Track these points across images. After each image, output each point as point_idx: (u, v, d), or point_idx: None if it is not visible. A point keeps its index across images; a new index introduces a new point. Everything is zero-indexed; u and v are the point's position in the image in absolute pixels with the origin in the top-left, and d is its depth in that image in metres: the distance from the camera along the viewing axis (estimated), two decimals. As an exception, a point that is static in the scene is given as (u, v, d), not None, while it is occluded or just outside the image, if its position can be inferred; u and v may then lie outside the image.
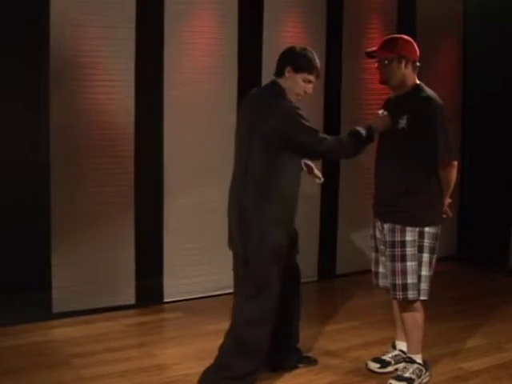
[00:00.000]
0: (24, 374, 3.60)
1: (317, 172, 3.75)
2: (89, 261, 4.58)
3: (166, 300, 4.89)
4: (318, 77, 3.48)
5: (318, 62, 3.46)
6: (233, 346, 3.37)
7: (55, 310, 4.50)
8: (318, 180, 3.76)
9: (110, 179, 4.61)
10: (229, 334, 3.41)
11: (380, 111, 3.59)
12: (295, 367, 3.72)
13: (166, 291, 4.89)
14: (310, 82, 3.42)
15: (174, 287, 4.90)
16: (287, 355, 3.71)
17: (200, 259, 4.94)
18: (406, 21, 5.89)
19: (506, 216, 5.98)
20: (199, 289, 4.98)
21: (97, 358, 3.84)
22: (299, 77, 3.40)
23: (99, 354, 3.91)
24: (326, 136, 3.38)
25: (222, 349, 3.41)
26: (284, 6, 5.25)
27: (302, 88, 3.42)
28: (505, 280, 5.78)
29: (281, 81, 3.44)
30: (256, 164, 3.34)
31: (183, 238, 4.89)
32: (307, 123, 3.33)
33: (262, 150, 3.32)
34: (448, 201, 3.64)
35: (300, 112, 3.34)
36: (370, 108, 5.61)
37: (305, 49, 3.47)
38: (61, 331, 4.29)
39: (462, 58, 6.45)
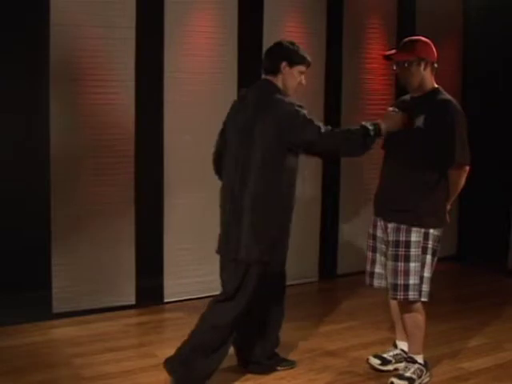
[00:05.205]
0: (24, 374, 3.60)
1: None
2: (89, 261, 4.58)
3: (166, 300, 4.89)
4: (308, 66, 3.54)
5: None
6: (193, 347, 3.35)
7: (55, 310, 4.50)
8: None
9: (110, 179, 4.61)
10: (193, 334, 3.41)
11: (390, 108, 3.53)
12: (274, 370, 3.69)
13: (166, 291, 4.89)
14: (303, 73, 3.50)
15: (174, 287, 4.90)
16: (264, 357, 3.67)
17: (200, 259, 4.93)
18: (405, 21, 5.89)
19: (505, 216, 5.97)
20: (199, 289, 4.97)
21: (97, 358, 3.84)
22: (295, 70, 3.45)
23: (99, 354, 3.92)
24: (331, 132, 3.34)
25: (183, 346, 3.39)
26: (284, 6, 5.25)
27: (297, 81, 3.48)
28: (505, 280, 5.78)
29: (275, 78, 3.46)
30: (257, 165, 3.33)
31: (183, 238, 4.89)
32: (312, 119, 3.32)
33: (263, 151, 3.31)
34: (448, 207, 3.59)
35: (302, 108, 3.35)
36: (371, 108, 5.61)
37: (292, 43, 3.52)
38: (61, 331, 4.29)
39: (462, 57, 6.45)
